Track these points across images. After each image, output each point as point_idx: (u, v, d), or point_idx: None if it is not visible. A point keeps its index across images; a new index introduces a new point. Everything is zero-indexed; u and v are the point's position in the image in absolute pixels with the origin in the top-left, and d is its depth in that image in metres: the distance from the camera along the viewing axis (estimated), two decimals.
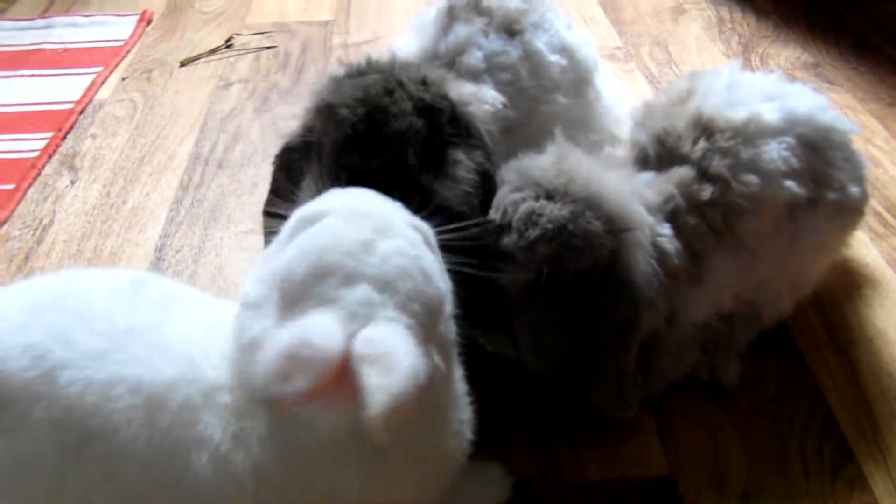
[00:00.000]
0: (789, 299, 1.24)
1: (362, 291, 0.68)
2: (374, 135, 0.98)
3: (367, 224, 0.73)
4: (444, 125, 1.02)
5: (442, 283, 0.77)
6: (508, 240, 0.98)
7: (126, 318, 0.75)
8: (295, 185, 1.07)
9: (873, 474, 1.08)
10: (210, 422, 0.71)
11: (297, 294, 0.69)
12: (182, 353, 0.74)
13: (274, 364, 0.63)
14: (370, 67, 1.09)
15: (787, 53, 2.07)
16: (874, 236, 1.48)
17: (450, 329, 0.79)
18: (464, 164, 1.03)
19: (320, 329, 0.65)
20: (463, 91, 1.14)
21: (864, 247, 1.46)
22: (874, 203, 1.56)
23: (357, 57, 1.32)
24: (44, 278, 0.84)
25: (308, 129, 1.08)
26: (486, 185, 1.05)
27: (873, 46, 2.07)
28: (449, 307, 0.78)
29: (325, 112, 1.03)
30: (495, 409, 1.15)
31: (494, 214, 1.02)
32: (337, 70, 1.12)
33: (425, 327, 0.71)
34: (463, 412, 0.86)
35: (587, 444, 1.12)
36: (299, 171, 1.08)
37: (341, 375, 0.64)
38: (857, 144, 1.24)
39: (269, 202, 1.15)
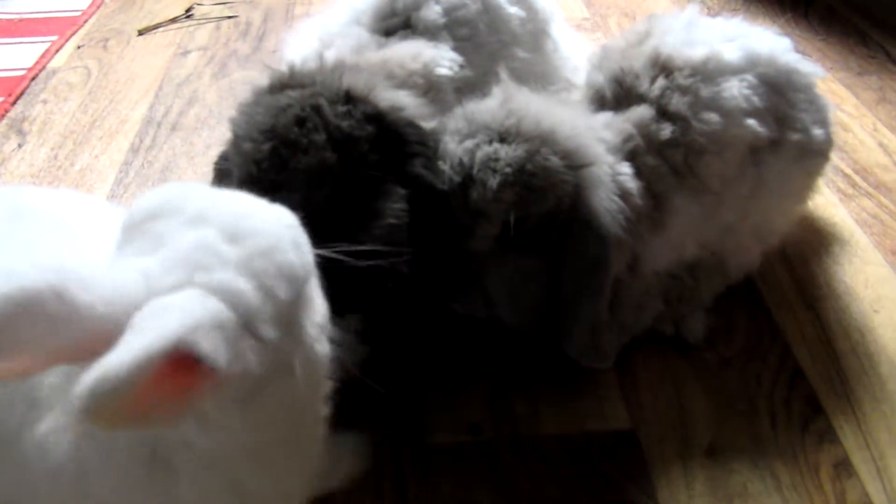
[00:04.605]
0: (755, 250, 1.20)
1: (199, 235, 0.56)
2: (281, 172, 0.87)
3: (253, 198, 0.64)
4: (365, 154, 0.91)
5: (312, 272, 0.65)
6: (476, 194, 0.93)
7: None
8: None
9: (843, 427, 1.05)
10: None
11: (133, 231, 0.58)
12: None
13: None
14: (292, 79, 0.98)
15: None
16: (843, 197, 1.46)
17: (319, 337, 0.67)
18: (390, 196, 0.93)
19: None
20: (396, 96, 1.02)
21: (832, 207, 1.43)
22: (843, 165, 1.54)
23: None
24: None
25: (225, 157, 1.00)
26: (427, 198, 0.95)
27: (842, 18, 2.06)
28: (320, 310, 0.67)
29: (233, 142, 0.94)
30: (450, 363, 1.12)
31: (447, 169, 0.96)
32: (259, 77, 1.02)
33: (272, 301, 0.57)
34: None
35: (545, 398, 1.08)
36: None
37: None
38: None
39: None
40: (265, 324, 0.56)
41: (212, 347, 0.51)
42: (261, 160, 0.88)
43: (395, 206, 0.92)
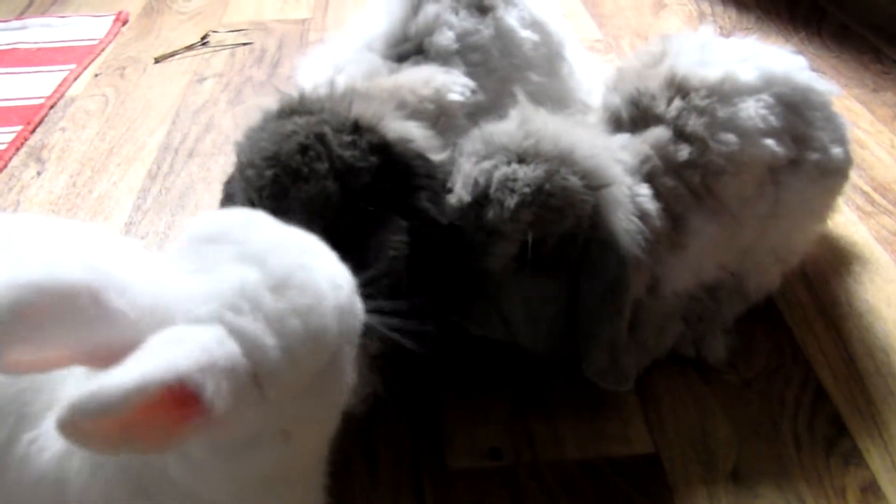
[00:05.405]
0: (775, 270, 1.19)
1: (246, 275, 0.55)
2: (281, 200, 0.87)
3: (319, 246, 0.63)
4: (368, 185, 0.90)
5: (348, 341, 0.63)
6: (492, 213, 0.93)
7: None
8: None
9: (869, 449, 1.03)
10: None
11: (189, 248, 0.58)
12: None
13: None
14: (301, 105, 0.97)
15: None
16: (862, 215, 1.45)
17: (330, 415, 0.66)
18: (391, 227, 0.92)
19: None
20: (405, 127, 1.01)
21: (852, 225, 1.42)
22: (861, 183, 1.53)
23: None
24: None
25: (230, 179, 1.00)
26: (430, 230, 0.95)
27: (856, 36, 2.06)
28: (344, 384, 0.64)
29: (237, 167, 0.94)
30: (469, 385, 1.11)
31: (462, 190, 0.97)
32: (271, 102, 1.02)
33: (293, 365, 0.55)
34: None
35: (566, 422, 1.07)
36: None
37: None
38: None
39: None
40: (275, 386, 0.55)
41: (215, 391, 0.49)
42: (262, 187, 0.88)
43: (396, 238, 0.91)
